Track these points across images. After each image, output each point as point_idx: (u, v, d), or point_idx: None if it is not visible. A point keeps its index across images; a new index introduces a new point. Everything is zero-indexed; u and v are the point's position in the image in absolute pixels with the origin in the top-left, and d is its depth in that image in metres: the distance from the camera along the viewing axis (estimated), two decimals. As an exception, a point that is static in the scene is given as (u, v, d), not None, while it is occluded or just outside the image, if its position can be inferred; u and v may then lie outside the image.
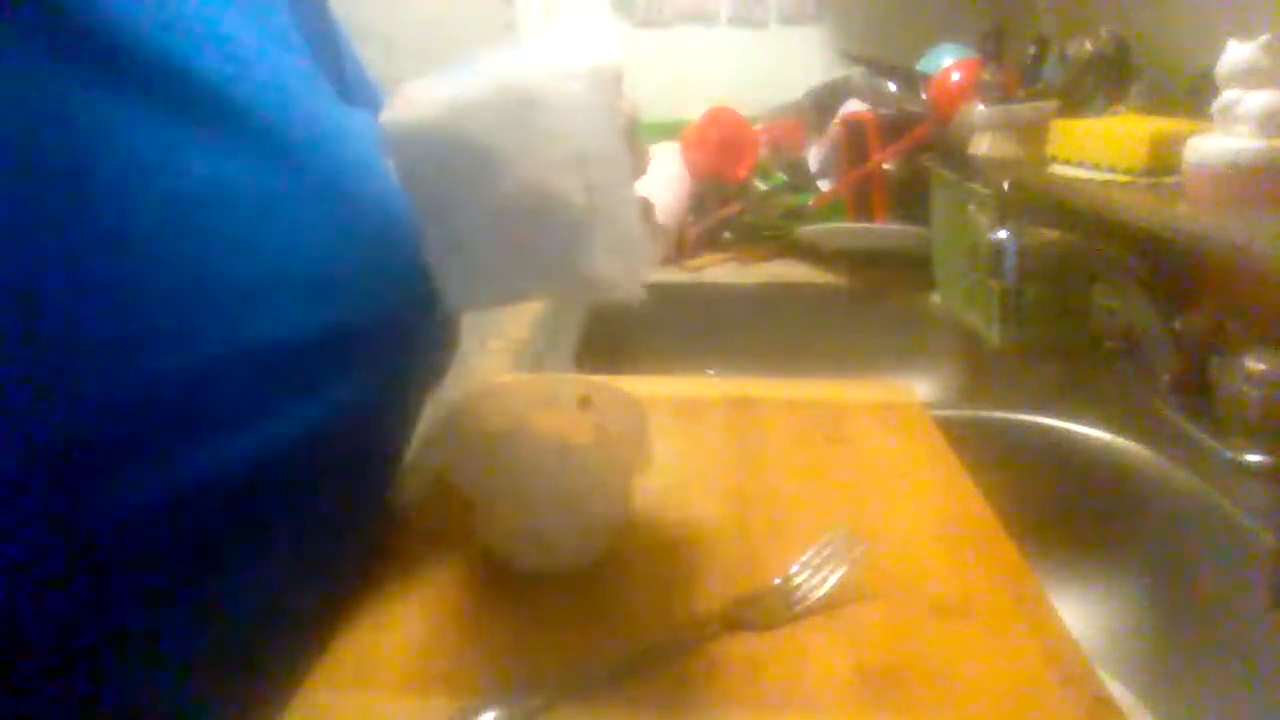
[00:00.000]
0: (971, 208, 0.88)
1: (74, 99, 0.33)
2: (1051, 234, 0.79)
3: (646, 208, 0.43)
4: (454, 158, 0.38)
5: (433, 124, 0.38)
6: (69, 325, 0.31)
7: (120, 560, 0.33)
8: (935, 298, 1.07)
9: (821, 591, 0.45)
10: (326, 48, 0.50)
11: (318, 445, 0.39)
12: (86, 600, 0.32)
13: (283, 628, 0.43)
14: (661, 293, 1.16)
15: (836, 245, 1.16)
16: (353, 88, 0.52)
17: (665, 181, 1.23)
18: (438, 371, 0.50)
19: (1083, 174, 0.75)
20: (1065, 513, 0.73)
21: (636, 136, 0.42)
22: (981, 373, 0.99)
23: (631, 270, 0.40)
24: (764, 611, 0.44)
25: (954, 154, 0.98)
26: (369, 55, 0.57)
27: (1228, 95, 0.61)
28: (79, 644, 0.33)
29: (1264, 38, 0.59)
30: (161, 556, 0.34)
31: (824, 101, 1.27)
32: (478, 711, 0.37)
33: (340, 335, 0.39)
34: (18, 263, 0.30)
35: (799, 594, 0.45)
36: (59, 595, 0.32)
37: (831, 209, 1.20)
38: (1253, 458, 0.62)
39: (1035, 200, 0.82)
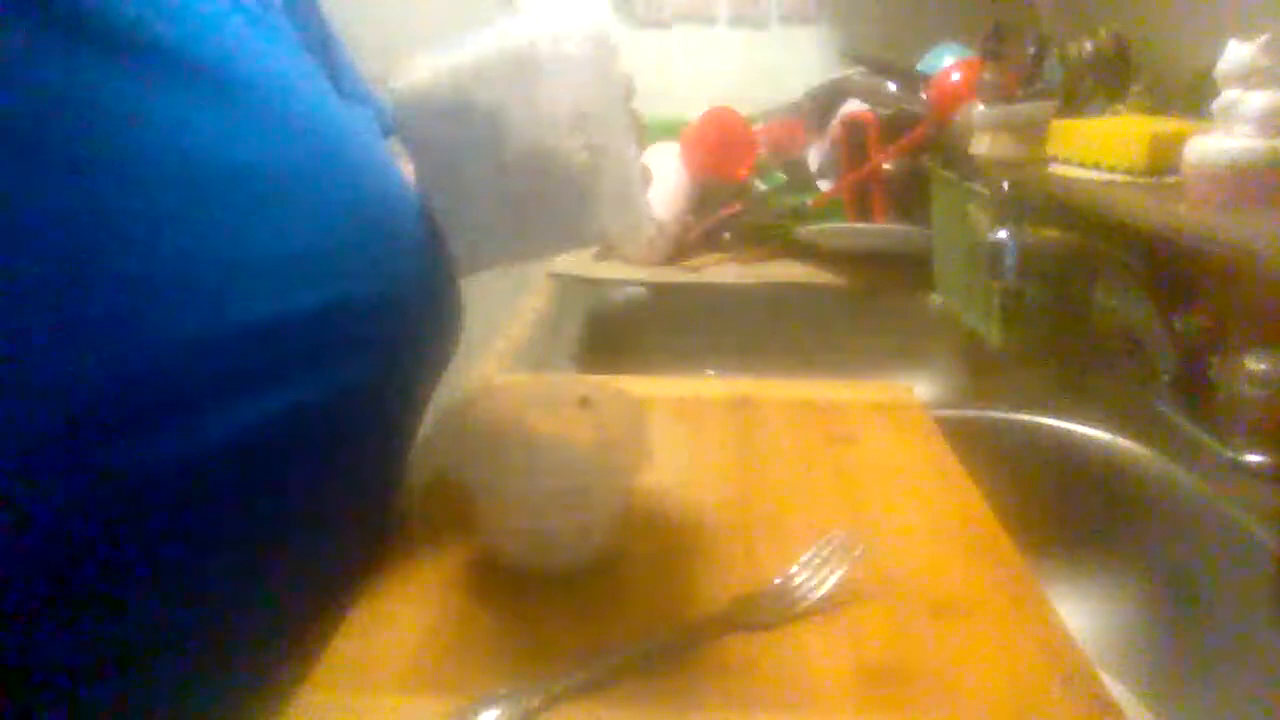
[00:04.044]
0: (971, 208, 0.88)
1: (81, 79, 0.33)
2: (1051, 234, 0.79)
3: (645, 174, 0.43)
4: (460, 121, 0.39)
5: (438, 89, 0.39)
6: (66, 300, 0.31)
7: (112, 531, 0.33)
8: (935, 298, 1.07)
9: (821, 591, 0.45)
10: (323, 51, 0.51)
11: (317, 423, 0.39)
12: (90, 552, 0.33)
13: (282, 610, 0.43)
14: (661, 293, 1.16)
15: (836, 245, 1.16)
16: (349, 91, 0.52)
17: (665, 181, 1.23)
18: (441, 357, 0.50)
19: (1083, 174, 0.76)
20: (1065, 513, 0.73)
21: (631, 102, 0.42)
22: (981, 373, 0.99)
23: (633, 227, 0.40)
24: (764, 611, 0.44)
25: (954, 154, 0.98)
26: (369, 65, 0.58)
27: (1228, 95, 0.61)
28: (81, 592, 0.33)
29: (1264, 38, 0.59)
30: (160, 525, 0.34)
31: (824, 101, 1.27)
32: (477, 711, 0.37)
33: (339, 312, 0.39)
34: (22, 240, 0.31)
35: (799, 594, 0.45)
36: (64, 545, 0.32)
37: (831, 209, 1.20)
38: (1253, 458, 0.62)
39: (1035, 200, 0.81)
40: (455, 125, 0.40)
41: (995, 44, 0.91)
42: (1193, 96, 0.75)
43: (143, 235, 0.33)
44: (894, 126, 1.09)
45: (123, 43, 0.35)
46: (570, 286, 1.16)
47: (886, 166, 1.11)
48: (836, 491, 0.56)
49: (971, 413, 0.78)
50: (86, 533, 0.32)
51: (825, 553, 0.47)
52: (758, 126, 1.31)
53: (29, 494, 0.30)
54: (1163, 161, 0.69)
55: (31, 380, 0.30)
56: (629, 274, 1.17)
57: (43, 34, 0.33)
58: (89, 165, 0.33)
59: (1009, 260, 0.74)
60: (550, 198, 0.40)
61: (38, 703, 0.34)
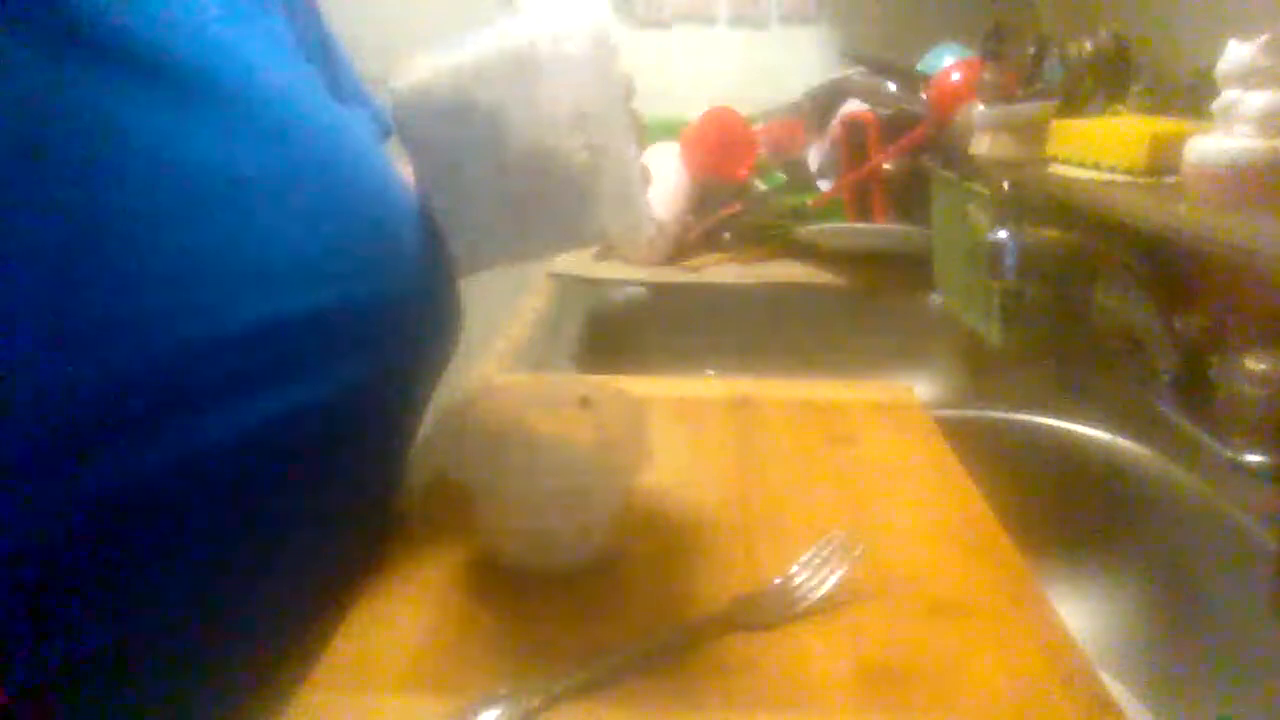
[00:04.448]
0: (971, 208, 0.88)
1: (77, 88, 0.33)
2: (1051, 234, 0.79)
3: (645, 174, 0.43)
4: (460, 121, 0.39)
5: (438, 89, 0.39)
6: (65, 304, 0.31)
7: (112, 532, 0.33)
8: (935, 298, 1.07)
9: (821, 591, 0.45)
10: (320, 54, 0.51)
11: (317, 424, 0.39)
12: (90, 554, 0.33)
13: (282, 610, 0.43)
14: (661, 293, 1.16)
15: (836, 245, 1.16)
16: (347, 93, 0.52)
17: (665, 181, 1.23)
18: (441, 357, 0.51)
19: (1083, 174, 0.75)
20: (1065, 513, 0.73)
21: (631, 102, 0.42)
22: (981, 373, 0.99)
23: (633, 227, 0.40)
24: (764, 611, 0.44)
25: (954, 154, 0.98)
26: (369, 65, 0.58)
27: (1228, 95, 0.61)
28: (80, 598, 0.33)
29: (1264, 38, 0.59)
30: (160, 526, 0.34)
31: (824, 101, 1.27)
32: (477, 711, 0.37)
33: (339, 312, 0.39)
34: (21, 245, 0.31)
35: (799, 594, 0.45)
36: (64, 554, 0.32)
37: (831, 209, 1.20)
38: (1253, 458, 0.62)
39: (1035, 200, 0.81)
40: (455, 125, 0.40)
41: (995, 44, 0.91)
42: (1193, 96, 0.75)
43: (142, 239, 0.33)
44: (894, 126, 1.09)
45: (117, 50, 0.35)
46: (570, 286, 1.16)
47: (886, 166, 1.11)
48: (836, 491, 0.56)
49: (971, 413, 0.78)
50: (87, 534, 0.32)
51: (825, 553, 0.47)
52: (758, 126, 1.31)
53: (29, 496, 0.30)
54: (1163, 161, 0.69)
55: (31, 383, 0.30)
56: (629, 274, 1.17)
57: (37, 44, 0.33)
58: (87, 170, 0.33)
59: (1009, 260, 0.73)
60: (550, 198, 0.40)
61: (37, 703, 0.34)
